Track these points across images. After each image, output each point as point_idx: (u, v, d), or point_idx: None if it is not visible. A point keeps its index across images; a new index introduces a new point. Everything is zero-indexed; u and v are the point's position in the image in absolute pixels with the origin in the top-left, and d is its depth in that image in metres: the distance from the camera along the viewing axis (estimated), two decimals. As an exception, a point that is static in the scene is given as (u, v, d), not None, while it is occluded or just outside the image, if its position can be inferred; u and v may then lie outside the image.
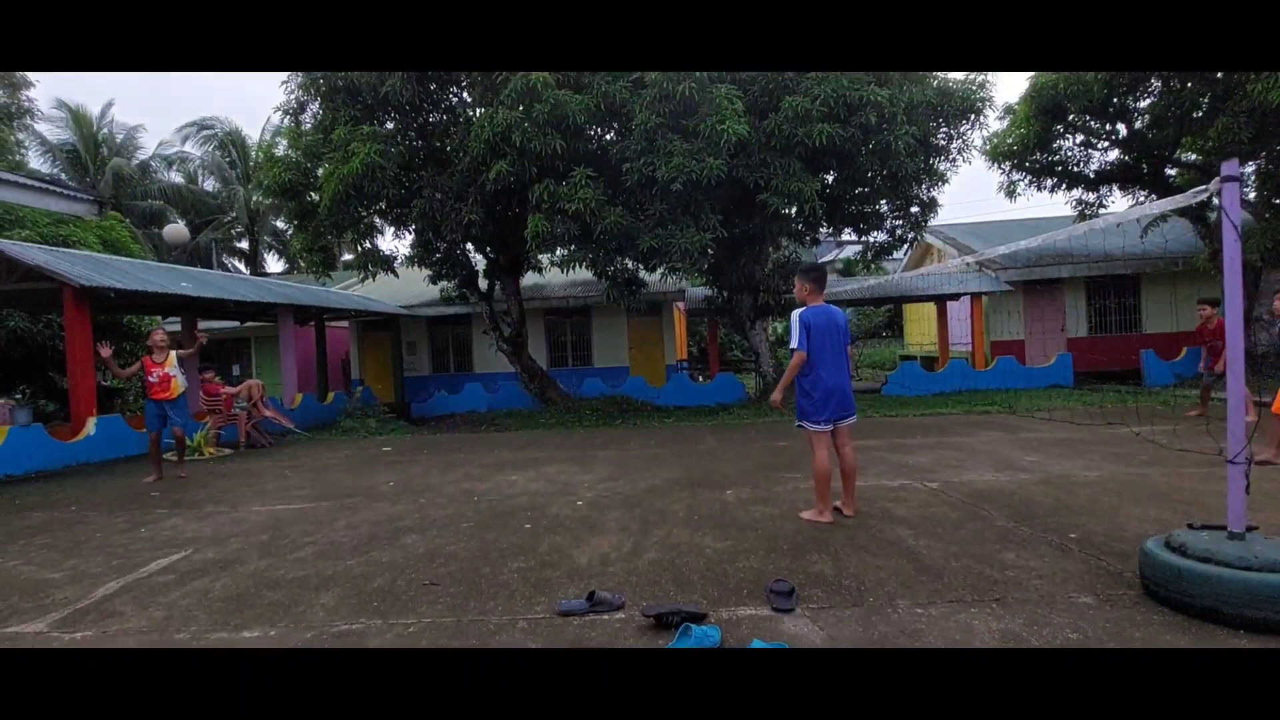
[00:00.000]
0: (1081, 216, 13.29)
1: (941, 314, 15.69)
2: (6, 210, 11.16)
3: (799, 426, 4.25)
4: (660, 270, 10.29)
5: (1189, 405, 8.75)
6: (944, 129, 10.41)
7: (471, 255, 12.54)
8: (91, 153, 22.92)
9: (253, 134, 26.12)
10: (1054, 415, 8.85)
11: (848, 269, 21.48)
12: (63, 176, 21.56)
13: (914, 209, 11.49)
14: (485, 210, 10.08)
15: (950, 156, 10.76)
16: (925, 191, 11.28)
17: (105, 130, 23.51)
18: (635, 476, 6.05)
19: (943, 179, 11.05)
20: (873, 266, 14.22)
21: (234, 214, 25.31)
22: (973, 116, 10.24)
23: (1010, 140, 12.75)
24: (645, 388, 12.36)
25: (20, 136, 18.61)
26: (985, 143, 12.91)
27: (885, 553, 3.57)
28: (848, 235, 12.99)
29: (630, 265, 10.78)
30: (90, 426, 8.30)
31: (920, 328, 19.62)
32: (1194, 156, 11.98)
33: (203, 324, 13.15)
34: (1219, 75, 9.96)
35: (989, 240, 15.54)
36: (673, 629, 2.61)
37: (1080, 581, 3.04)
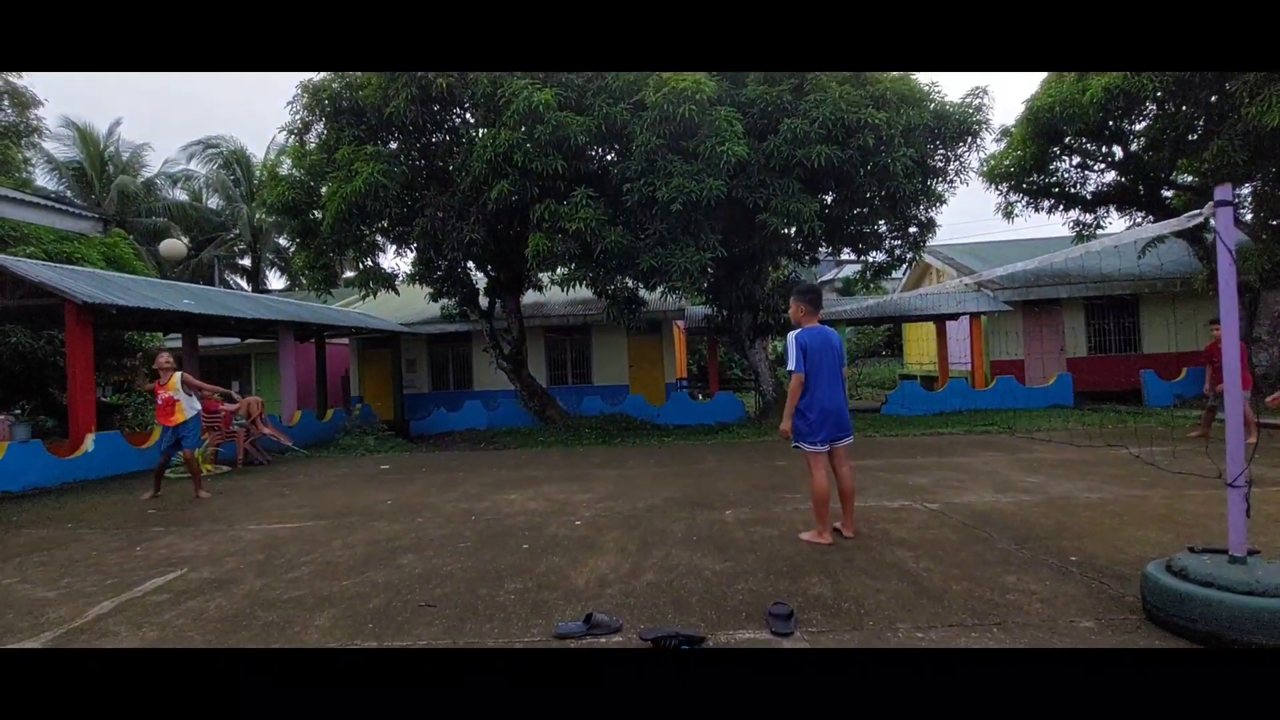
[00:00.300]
0: (1079, 237, 13.38)
1: (941, 334, 15.72)
2: (13, 227, 11.26)
3: (796, 447, 4.25)
4: (660, 289, 10.34)
5: (1190, 425, 8.72)
6: (941, 151, 10.51)
7: (472, 273, 12.61)
8: (97, 170, 23.14)
9: (257, 153, 26.44)
10: (1054, 436, 8.83)
11: (847, 288, 21.57)
12: (68, 193, 21.77)
13: (912, 229, 11.56)
14: (486, 229, 10.16)
15: (948, 178, 10.86)
16: (923, 212, 11.36)
17: (112, 148, 23.76)
18: (634, 496, 6.02)
19: (940, 200, 11.14)
20: (872, 286, 14.27)
21: (237, 231, 25.50)
22: (970, 139, 10.35)
23: (1007, 162, 12.88)
24: (645, 406, 12.35)
25: (28, 154, 18.81)
26: (982, 164, 13.03)
27: (885, 575, 3.55)
28: (847, 255, 13.08)
29: (630, 284, 10.83)
30: (89, 443, 8.28)
31: (920, 347, 19.64)
32: (1190, 179, 12.08)
33: (203, 340, 13.20)
34: (1213, 99, 10.09)
35: (987, 260, 15.63)
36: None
37: (1081, 605, 3.01)
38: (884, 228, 11.64)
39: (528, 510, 5.61)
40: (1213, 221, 2.71)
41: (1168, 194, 12.59)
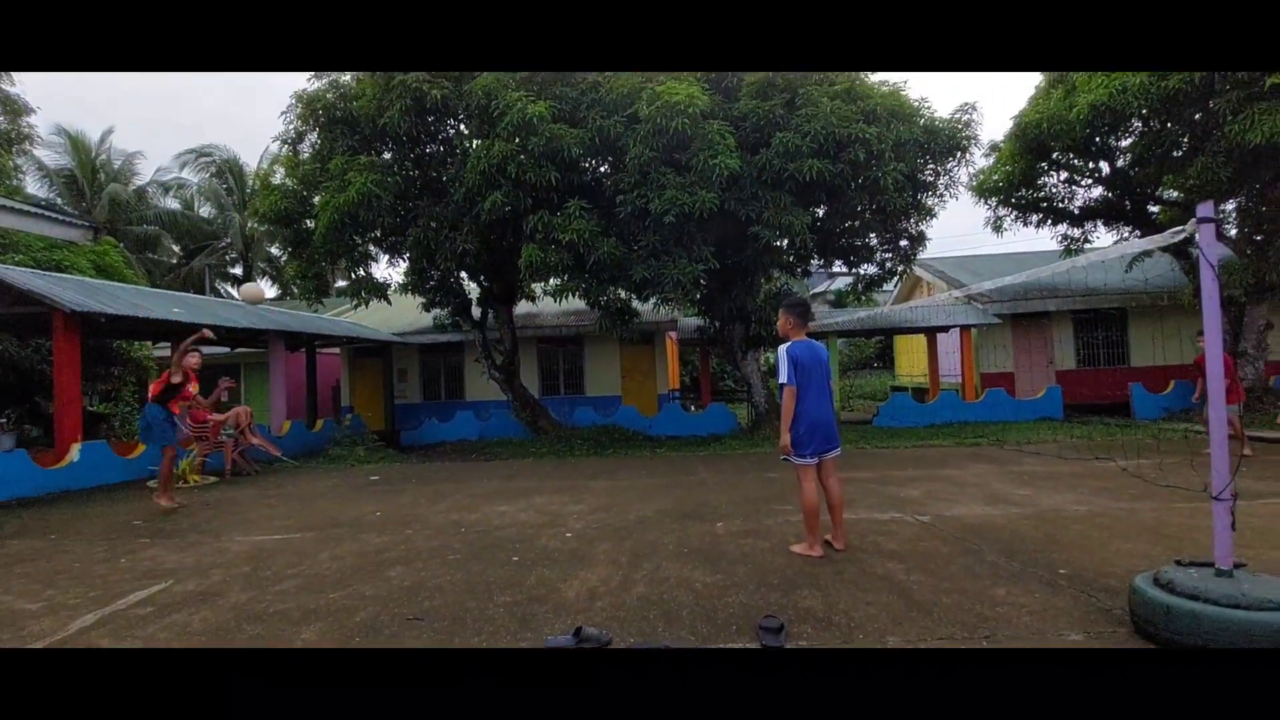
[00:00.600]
0: (1067, 252, 13.53)
1: (931, 346, 15.82)
2: (2, 235, 11.17)
3: (785, 460, 4.26)
4: (653, 300, 10.36)
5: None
6: (931, 165, 10.63)
7: (465, 283, 12.60)
8: (89, 178, 23.04)
9: (250, 162, 26.35)
10: (1043, 449, 8.88)
11: (839, 300, 21.68)
12: (59, 201, 21.64)
13: (903, 242, 11.68)
14: (480, 239, 10.17)
15: (938, 192, 10.98)
16: (914, 225, 11.49)
17: (104, 156, 23.68)
18: (626, 507, 6.00)
19: (931, 214, 11.26)
20: (863, 298, 14.37)
21: (229, 240, 25.41)
22: (959, 154, 10.48)
23: (996, 177, 13.05)
24: (637, 417, 12.34)
25: (18, 161, 18.71)
26: (972, 179, 13.18)
27: (876, 588, 3.54)
28: (838, 268, 13.17)
29: (623, 295, 10.86)
30: (74, 453, 8.18)
31: (910, 359, 19.75)
32: (1176, 194, 12.27)
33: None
34: (1198, 116, 10.27)
35: (977, 274, 15.77)
36: (660, 666, 2.57)
37: (1070, 618, 3.02)
38: (875, 241, 11.75)
39: (518, 522, 5.58)
40: (1196, 237, 2.75)
41: (1154, 209, 12.77)
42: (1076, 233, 13.58)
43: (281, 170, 11.56)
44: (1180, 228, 2.92)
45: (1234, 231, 11.78)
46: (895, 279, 13.31)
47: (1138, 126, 11.43)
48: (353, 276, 11.56)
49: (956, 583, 3.58)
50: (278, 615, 3.43)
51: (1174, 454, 7.84)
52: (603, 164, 10.61)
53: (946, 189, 10.99)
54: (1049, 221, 13.56)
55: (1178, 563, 2.85)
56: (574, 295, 10.03)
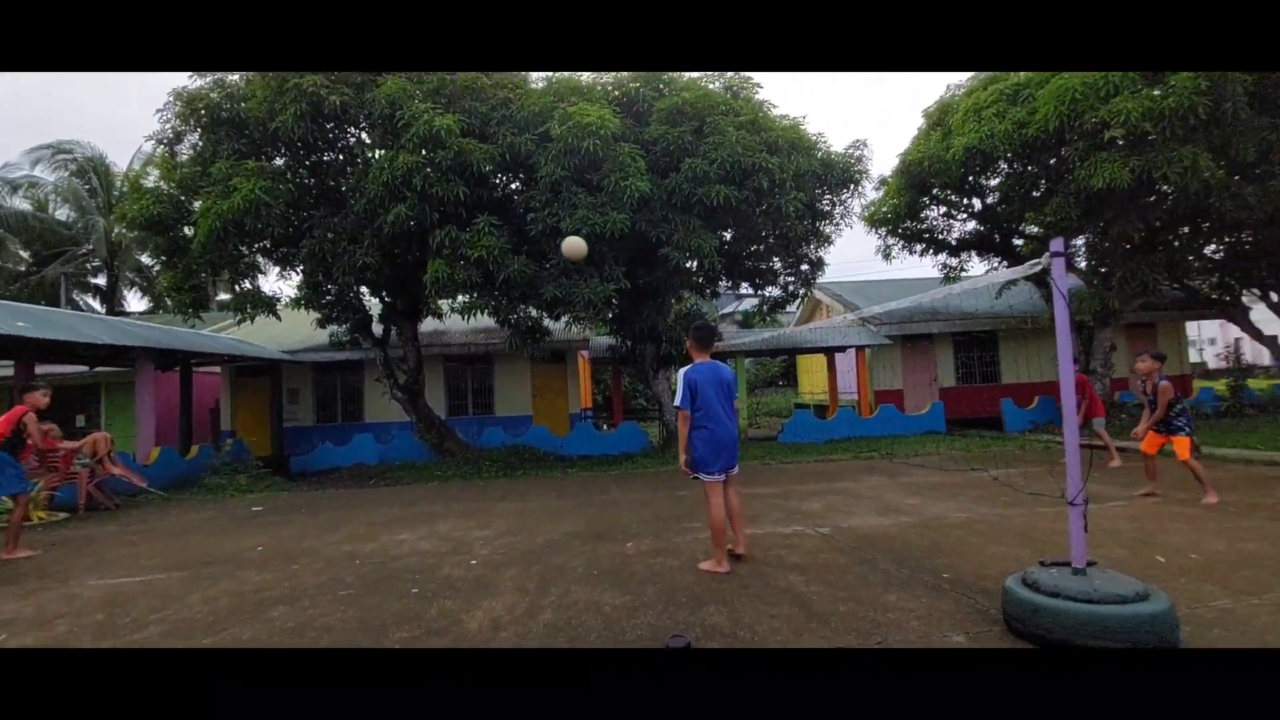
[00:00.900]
0: (946, 279, 14.77)
1: (831, 365, 16.70)
2: None
3: (695, 477, 4.35)
4: (565, 319, 10.29)
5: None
6: (828, 196, 11.30)
7: (366, 299, 12.00)
8: (-87, 172, 20.05)
9: (120, 162, 23.91)
10: (928, 461, 9.54)
11: (747, 321, 22.50)
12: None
13: (804, 267, 12.30)
14: (382, 253, 9.72)
15: (834, 221, 11.67)
16: (813, 251, 12.13)
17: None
18: (535, 530, 5.86)
19: (828, 241, 11.94)
20: (769, 320, 14.98)
21: (90, 246, 22.82)
22: (852, 186, 11.22)
23: (885, 209, 14.07)
24: (548, 437, 12.14)
25: None
26: (864, 210, 14.13)
27: (778, 600, 3.64)
28: (745, 289, 13.67)
29: (534, 313, 10.72)
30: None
31: (812, 378, 20.75)
32: (1036, 229, 13.72)
33: (44, 370, 11.60)
34: (1052, 161, 11.56)
35: (871, 298, 16.89)
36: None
37: (953, 620, 3.23)
38: (778, 265, 12.30)
39: (419, 550, 5.30)
40: (1050, 269, 3.07)
41: (1018, 242, 14.21)
42: (954, 262, 14.86)
43: (156, 172, 10.56)
44: (1036, 260, 3.25)
45: (1083, 264, 13.31)
46: (797, 301, 13.98)
47: (1004, 168, 12.71)
48: (237, 289, 10.70)
49: (852, 591, 3.75)
50: (134, 668, 3.04)
51: (1038, 463, 8.67)
52: (514, 180, 10.50)
53: (842, 218, 11.72)
54: (931, 251, 14.75)
55: (1041, 563, 3.12)
56: (483, 313, 9.78)
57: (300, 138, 9.31)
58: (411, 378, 11.51)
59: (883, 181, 14.32)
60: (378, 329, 11.87)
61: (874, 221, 14.28)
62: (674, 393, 12.52)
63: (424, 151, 8.64)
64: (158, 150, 10.59)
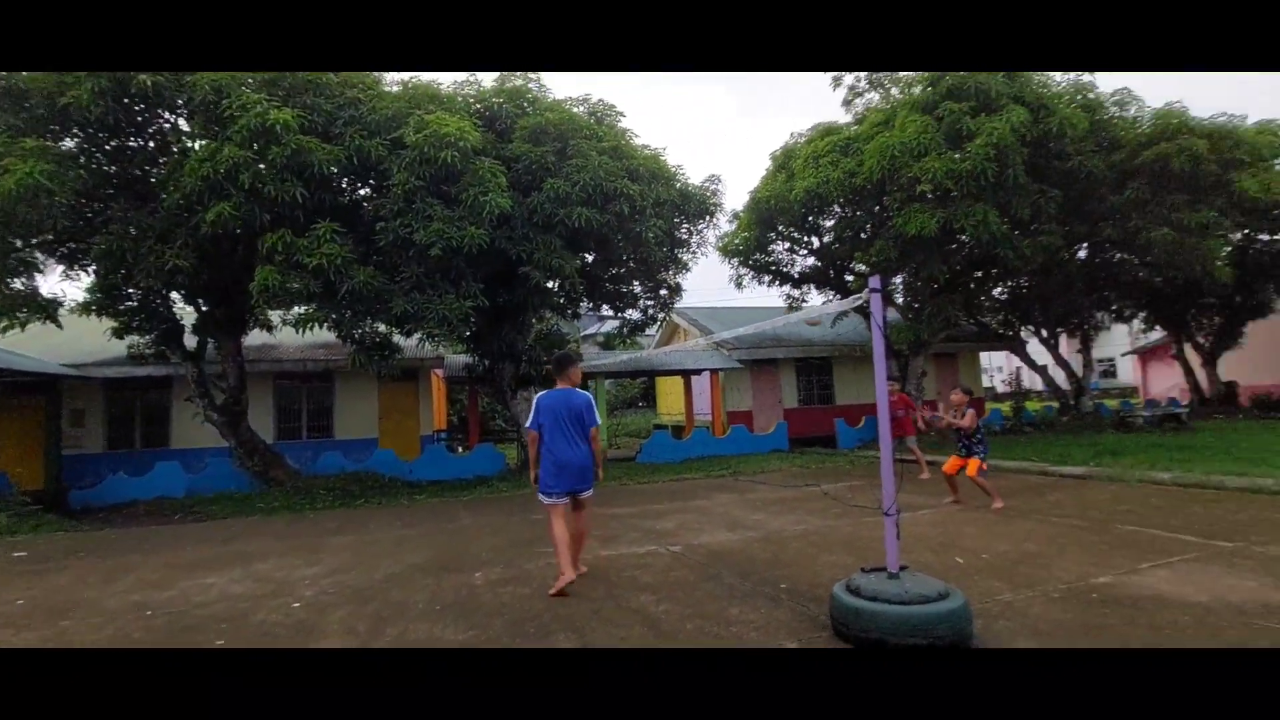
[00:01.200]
0: (790, 308, 16.04)
1: (688, 387, 17.36)
2: None
3: (540, 498, 4.44)
4: (417, 336, 9.71)
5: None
6: (686, 225, 11.85)
7: (178, 306, 10.53)
8: None
9: None
10: (771, 479, 10.16)
11: (608, 343, 22.77)
12: None
13: (663, 292, 12.74)
14: (199, 256, 8.61)
15: (691, 249, 12.26)
16: (672, 277, 12.62)
17: None
18: (373, 564, 5.38)
19: (686, 268, 12.50)
20: (629, 342, 15.30)
21: None
22: (708, 217, 11.86)
23: (737, 241, 15.04)
24: (396, 461, 11.32)
25: None
26: (718, 241, 15.00)
27: (628, 622, 3.63)
28: (606, 311, 13.85)
29: (382, 329, 10.03)
30: None
31: (670, 400, 21.43)
32: (863, 267, 15.38)
33: None
34: (876, 208, 13.06)
35: (725, 323, 17.85)
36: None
37: (788, 629, 3.41)
38: (638, 288, 12.63)
39: (230, 595, 4.64)
40: (870, 303, 3.41)
41: (849, 278, 15.82)
42: (796, 293, 16.22)
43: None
44: (858, 295, 3.60)
45: (901, 300, 15.10)
46: (657, 325, 14.42)
47: (837, 211, 14.14)
48: (5, 290, 8.89)
49: (699, 607, 3.83)
50: None
51: (864, 477, 9.57)
52: (363, 186, 9.83)
53: (698, 247, 12.33)
54: (777, 282, 15.99)
55: (863, 570, 3.40)
56: (322, 326, 8.95)
57: (99, 118, 8.00)
58: (232, 397, 10.21)
59: (736, 215, 15.31)
60: (191, 341, 10.43)
61: (727, 252, 15.20)
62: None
63: (255, 146, 7.81)
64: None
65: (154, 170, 9.02)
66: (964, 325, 16.53)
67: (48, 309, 9.14)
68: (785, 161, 14.34)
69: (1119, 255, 14.69)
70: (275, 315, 10.55)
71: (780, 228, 14.86)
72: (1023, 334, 18.17)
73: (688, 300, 14.47)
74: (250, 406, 10.85)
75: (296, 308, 9.13)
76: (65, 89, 7.71)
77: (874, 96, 14.87)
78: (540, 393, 4.56)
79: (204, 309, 10.25)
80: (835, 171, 12.21)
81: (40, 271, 9.35)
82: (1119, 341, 27.22)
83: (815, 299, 16.42)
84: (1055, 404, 17.55)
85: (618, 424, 22.25)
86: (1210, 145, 12.27)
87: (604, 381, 15.65)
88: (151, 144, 9.22)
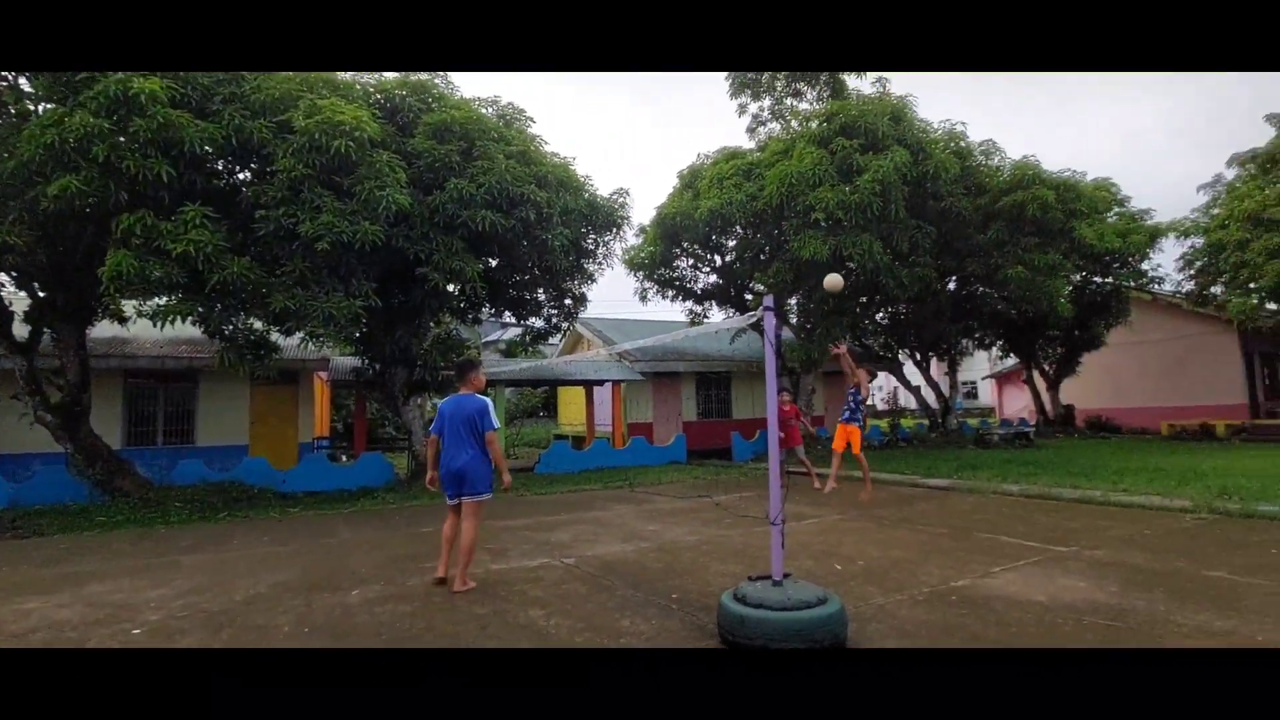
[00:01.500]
0: (693, 323, 16.45)
1: (589, 397, 17.30)
2: None
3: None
4: (299, 335, 9.01)
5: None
6: (593, 236, 11.84)
7: (7, 290, 9.18)
8: None
9: None
10: (668, 490, 10.30)
11: (510, 350, 22.29)
12: None
13: (568, 301, 12.64)
14: (39, 234, 7.55)
15: (597, 260, 12.26)
16: (577, 287, 12.55)
17: None
18: (232, 585, 4.88)
19: (591, 278, 12.47)
20: (531, 350, 15.04)
21: None
22: (615, 229, 11.92)
23: (643, 255, 15.25)
24: (268, 470, 10.39)
25: None
26: (624, 253, 15.12)
27: (517, 638, 3.51)
28: (509, 318, 13.55)
29: (259, 326, 9.22)
30: None
31: (572, 410, 21.27)
32: (762, 288, 16.06)
33: None
34: (775, 231, 13.69)
35: (628, 335, 18.00)
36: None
37: (678, 638, 3.43)
38: (543, 296, 12.45)
39: (55, 622, 4.04)
40: (764, 321, 3.54)
41: (749, 297, 16.46)
42: (699, 309, 16.66)
43: None
44: (753, 313, 3.73)
45: (795, 320, 15.90)
46: (560, 334, 14.29)
47: (739, 232, 14.70)
48: None
49: (591, 620, 3.78)
50: None
51: (756, 489, 9.92)
52: (242, 170, 9.04)
53: (605, 259, 12.35)
54: (680, 297, 16.35)
55: (749, 579, 3.49)
56: (186, 320, 8.09)
57: (-93, 64, 6.84)
58: (71, 395, 8.98)
59: (642, 229, 15.52)
60: (22, 330, 9.10)
61: (633, 265, 15.37)
62: (426, 421, 11.87)
63: (115, 116, 6.98)
64: None
65: (-18, 133, 7.83)
66: (850, 347, 17.66)
67: None
68: (691, 180, 14.75)
69: (981, 289, 16.29)
70: (130, 306, 9.43)
71: (685, 244, 15.23)
72: (900, 356, 19.66)
73: (593, 310, 14.46)
74: (94, 407, 9.60)
75: (157, 298, 8.22)
76: None
77: (775, 126, 15.69)
78: (444, 399, 4.75)
79: (42, 295, 8.98)
80: (738, 194, 12.71)
81: None
82: (980, 366, 30.20)
83: (716, 315, 16.94)
84: (926, 421, 19.10)
85: (518, 433, 21.78)
86: (1057, 196, 13.96)
87: (504, 389, 15.27)
88: (-20, 102, 8.01)
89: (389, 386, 10.97)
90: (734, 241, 15.22)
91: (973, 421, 20.71)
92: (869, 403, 7.66)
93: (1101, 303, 18.30)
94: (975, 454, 13.41)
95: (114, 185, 7.07)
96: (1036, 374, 20.76)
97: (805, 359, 14.45)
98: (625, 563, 5.27)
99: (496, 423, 4.59)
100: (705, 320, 16.62)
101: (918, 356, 19.08)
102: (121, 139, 7.02)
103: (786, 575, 3.38)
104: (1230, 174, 16.85)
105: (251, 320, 8.98)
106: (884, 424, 18.84)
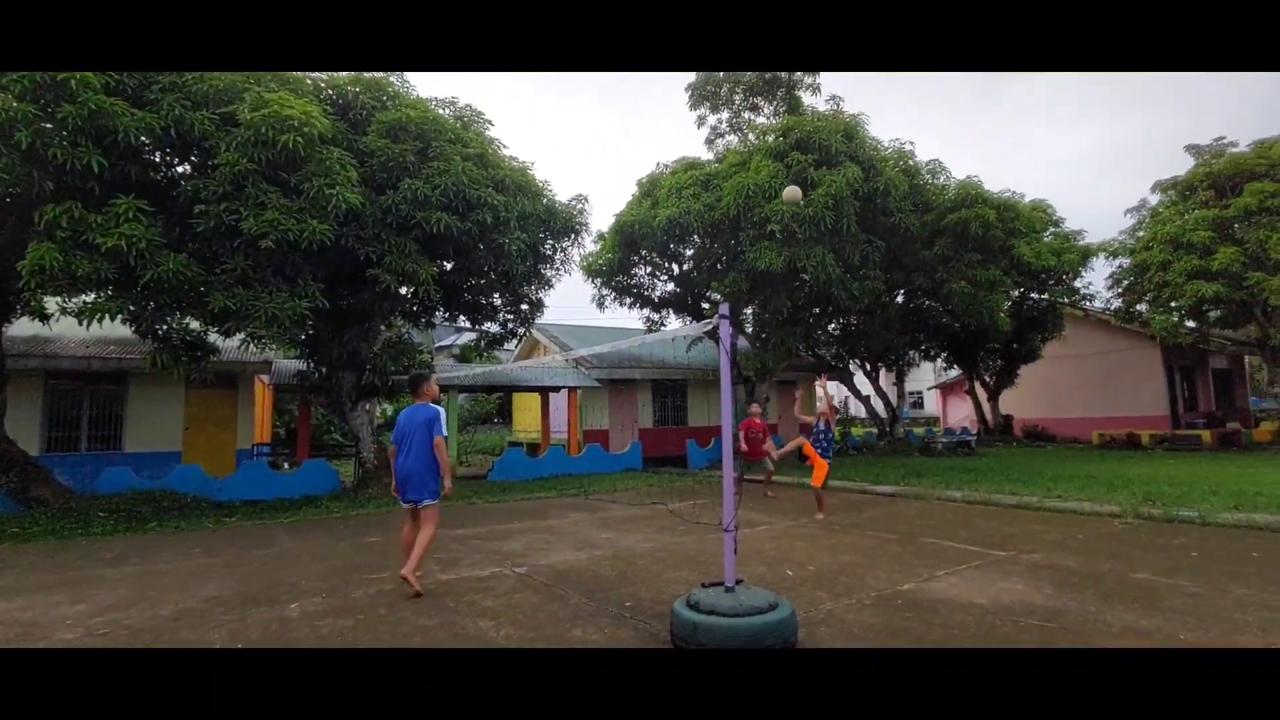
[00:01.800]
0: (650, 331, 16.49)
1: (545, 404, 17.13)
2: None
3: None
4: (240, 336, 8.62)
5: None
6: (550, 241, 11.75)
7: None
8: None
9: None
10: (623, 497, 10.27)
11: (464, 355, 21.90)
12: None
13: (524, 306, 12.49)
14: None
15: (555, 266, 12.16)
16: (534, 292, 12.41)
17: None
18: (160, 600, 4.60)
19: (549, 284, 12.35)
20: (486, 355, 14.80)
21: None
22: (573, 235, 11.86)
23: (601, 261, 15.21)
24: (203, 479, 9.88)
25: None
26: (582, 260, 15.06)
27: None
28: (464, 322, 13.30)
29: (195, 326, 8.79)
30: None
31: (527, 416, 21.00)
32: (718, 297, 16.24)
33: None
34: (732, 242, 13.88)
35: (585, 341, 17.91)
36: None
37: (630, 646, 3.40)
38: (499, 301, 12.27)
39: (-47, 642, 3.72)
40: (719, 329, 3.56)
41: (706, 305, 16.63)
42: (656, 316, 16.72)
43: None
44: (709, 321, 3.76)
45: (751, 329, 16.13)
46: (516, 340, 14.11)
47: (697, 241, 14.85)
48: None
49: (542, 630, 3.71)
50: None
51: (711, 496, 9.97)
52: (181, 163, 8.64)
53: (562, 264, 12.27)
54: (638, 305, 16.38)
55: (702, 585, 3.49)
56: (115, 319, 7.64)
57: None
58: (-16, 398, 8.37)
59: (601, 236, 15.51)
60: (-72, 328, 8.45)
61: (591, 271, 15.32)
62: (375, 427, 11.49)
63: (41, 101, 6.57)
64: None
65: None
66: (803, 356, 18.01)
67: None
68: (650, 189, 14.84)
69: (928, 302, 16.90)
70: (53, 302, 8.86)
71: (644, 252, 15.29)
72: (850, 367, 20.17)
73: (549, 316, 14.34)
74: (9, 410, 8.97)
75: (84, 295, 7.74)
76: None
77: (733, 139, 15.95)
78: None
79: (-50, 289, 8.35)
80: (696, 204, 12.85)
81: None
82: (925, 377, 31.23)
83: (674, 323, 17.04)
84: (875, 430, 19.63)
85: (471, 440, 21.35)
86: (998, 215, 14.63)
87: (457, 395, 14.96)
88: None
89: (336, 391, 10.61)
90: (692, 251, 15.36)
91: (919, 430, 21.40)
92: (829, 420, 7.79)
93: (1038, 318, 19.22)
94: (921, 461, 13.85)
95: (38, 174, 6.66)
96: (978, 385, 21.62)
97: (759, 368, 14.66)
98: (579, 571, 5.21)
99: (445, 430, 4.70)
100: (662, 328, 16.70)
101: (868, 367, 19.61)
102: (49, 125, 6.62)
103: (739, 581, 3.40)
104: (1154, 199, 18.01)
105: (188, 320, 8.56)
106: (836, 432, 19.29)
